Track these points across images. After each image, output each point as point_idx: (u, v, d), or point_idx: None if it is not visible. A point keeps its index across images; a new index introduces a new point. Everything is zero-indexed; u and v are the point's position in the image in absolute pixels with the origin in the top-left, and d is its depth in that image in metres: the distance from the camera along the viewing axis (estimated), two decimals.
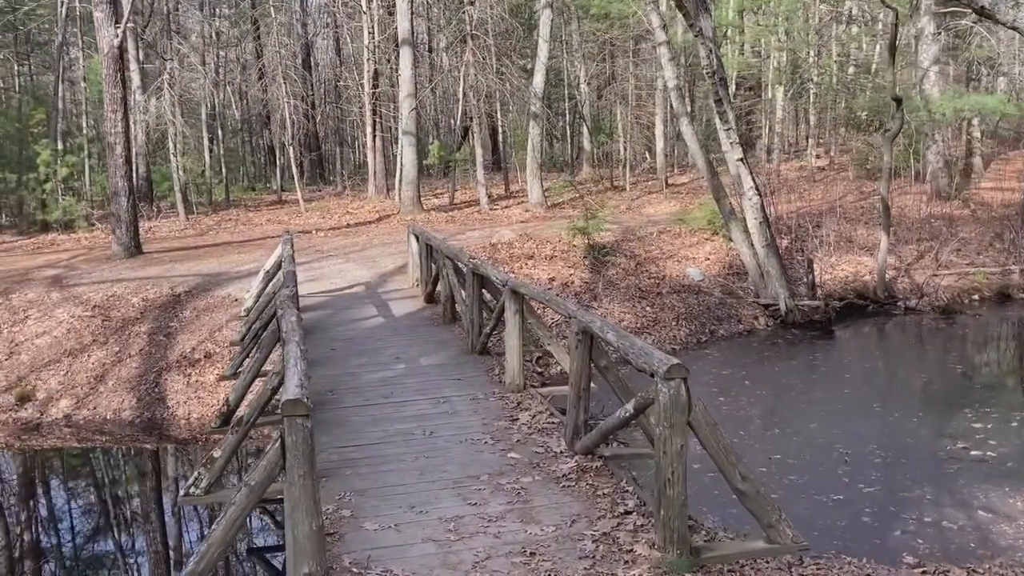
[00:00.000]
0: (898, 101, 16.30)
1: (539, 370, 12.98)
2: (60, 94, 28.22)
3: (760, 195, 15.89)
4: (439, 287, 11.79)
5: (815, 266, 16.46)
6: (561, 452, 6.22)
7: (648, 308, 15.29)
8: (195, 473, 5.78)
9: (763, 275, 15.93)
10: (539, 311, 9.83)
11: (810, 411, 10.97)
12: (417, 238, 13.39)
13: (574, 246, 16.57)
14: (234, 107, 37.96)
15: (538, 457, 6.19)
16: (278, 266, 11.65)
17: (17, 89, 28.51)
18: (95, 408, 12.20)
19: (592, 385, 6.22)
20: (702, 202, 21.36)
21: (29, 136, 24.13)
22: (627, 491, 5.41)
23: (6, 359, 13.26)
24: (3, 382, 12.78)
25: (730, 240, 17.17)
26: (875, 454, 9.28)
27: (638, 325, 14.68)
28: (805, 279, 16.37)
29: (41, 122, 24.75)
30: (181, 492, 5.76)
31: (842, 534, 7.34)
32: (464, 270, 9.69)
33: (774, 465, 8.98)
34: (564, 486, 5.59)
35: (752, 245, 15.93)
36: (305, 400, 4.05)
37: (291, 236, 13.28)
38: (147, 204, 25.90)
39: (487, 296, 9.76)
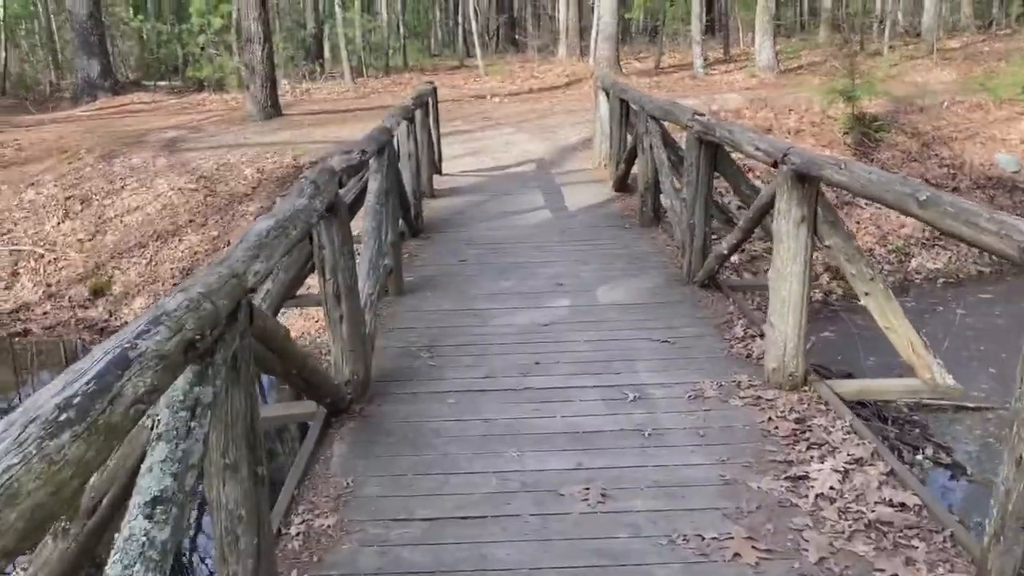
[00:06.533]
0: None
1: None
2: None
3: None
4: (636, 167, 7.63)
5: None
6: None
7: None
8: None
9: None
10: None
11: None
12: (607, 94, 9.21)
13: (829, 117, 11.83)
14: None
15: None
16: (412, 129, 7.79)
17: None
18: None
19: None
20: (993, 68, 15.66)
21: None
22: None
23: (89, 239, 10.62)
24: (80, 269, 10.15)
25: None
26: None
27: (925, 235, 10.01)
28: None
29: None
30: None
31: None
32: (686, 138, 5.55)
33: None
34: None
35: None
36: None
37: (432, 86, 9.58)
38: (312, 63, 23.08)
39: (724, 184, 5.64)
